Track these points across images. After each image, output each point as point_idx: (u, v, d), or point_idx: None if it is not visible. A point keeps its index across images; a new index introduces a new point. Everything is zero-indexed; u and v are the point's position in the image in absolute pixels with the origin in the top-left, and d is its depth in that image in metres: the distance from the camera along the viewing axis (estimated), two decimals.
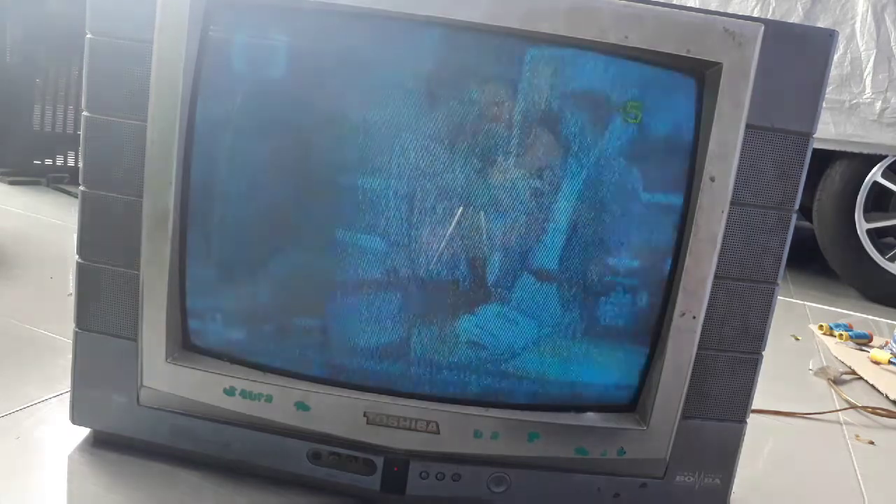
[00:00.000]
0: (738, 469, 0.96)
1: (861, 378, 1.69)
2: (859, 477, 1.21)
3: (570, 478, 0.94)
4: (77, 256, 0.92)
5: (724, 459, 0.95)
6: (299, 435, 0.92)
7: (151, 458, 0.96)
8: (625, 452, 0.92)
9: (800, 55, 0.86)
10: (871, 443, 1.35)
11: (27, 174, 2.59)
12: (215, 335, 0.93)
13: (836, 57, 0.99)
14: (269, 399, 0.90)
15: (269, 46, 0.85)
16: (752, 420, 0.95)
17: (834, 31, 0.88)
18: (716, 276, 0.88)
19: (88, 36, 0.88)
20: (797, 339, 1.94)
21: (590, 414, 0.93)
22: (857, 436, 1.37)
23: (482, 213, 0.87)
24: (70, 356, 0.95)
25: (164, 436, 0.95)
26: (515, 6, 0.82)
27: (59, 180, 2.56)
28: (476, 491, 0.94)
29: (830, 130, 2.34)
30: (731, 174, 0.86)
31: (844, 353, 1.84)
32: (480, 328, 0.90)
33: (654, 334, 0.91)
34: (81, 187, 0.91)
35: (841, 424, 1.42)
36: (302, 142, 0.87)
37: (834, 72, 1.38)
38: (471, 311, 0.90)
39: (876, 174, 2.47)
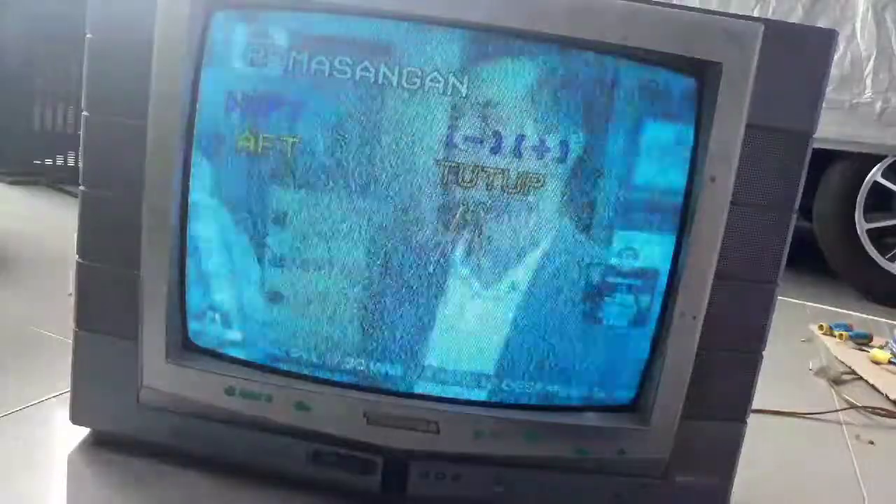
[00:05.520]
0: (738, 469, 0.96)
1: (861, 378, 1.69)
2: (859, 477, 1.21)
3: (570, 478, 0.94)
4: (77, 256, 0.92)
5: (724, 459, 0.95)
6: (299, 435, 0.92)
7: (151, 458, 0.96)
8: (625, 452, 0.92)
9: (800, 55, 0.86)
10: (871, 443, 1.35)
11: (27, 174, 2.58)
12: (215, 335, 0.93)
13: (836, 57, 0.99)
14: (269, 399, 0.90)
15: (270, 46, 0.85)
16: (752, 420, 0.95)
17: (834, 31, 0.88)
18: (716, 276, 0.88)
19: (88, 36, 0.88)
20: (798, 340, 1.94)
21: (590, 414, 0.93)
22: (857, 436, 1.37)
23: (481, 214, 0.87)
24: (70, 356, 0.95)
25: (164, 436, 0.95)
26: (515, 6, 0.82)
27: (59, 180, 2.56)
28: (476, 491, 0.94)
29: (830, 130, 2.33)
30: (731, 174, 0.86)
31: (844, 353, 1.84)
32: (481, 329, 0.90)
33: (655, 334, 0.91)
34: (81, 187, 0.91)
35: (841, 424, 1.42)
36: (302, 142, 0.87)
37: (834, 72, 1.38)
38: (471, 312, 0.90)
39: (876, 174, 2.47)
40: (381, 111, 0.85)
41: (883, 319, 2.28)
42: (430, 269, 0.89)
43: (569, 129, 0.86)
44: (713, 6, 2.40)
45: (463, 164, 0.86)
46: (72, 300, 0.94)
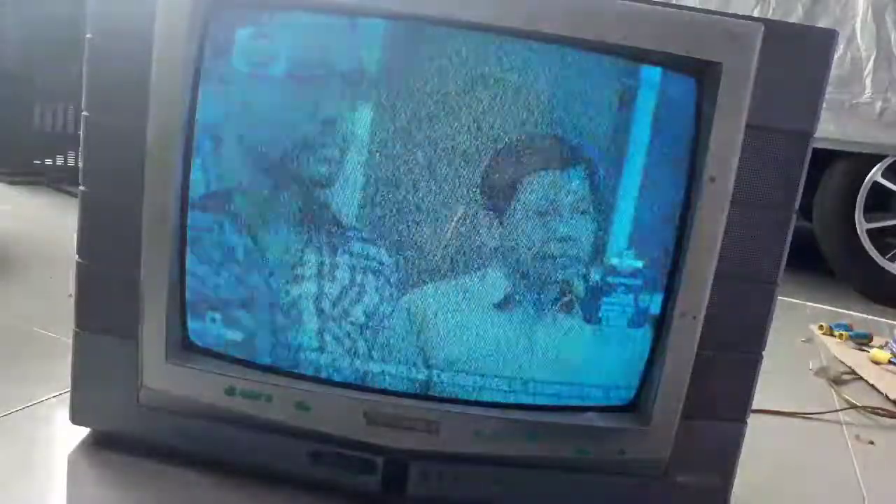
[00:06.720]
0: (739, 469, 0.96)
1: (861, 378, 1.69)
2: (859, 477, 1.21)
3: (570, 478, 0.94)
4: (77, 256, 0.92)
5: (724, 459, 0.95)
6: (299, 435, 0.92)
7: (151, 458, 0.96)
8: (625, 452, 0.92)
9: (800, 55, 0.86)
10: (871, 443, 1.35)
11: (27, 174, 2.58)
12: (215, 335, 0.93)
13: (836, 57, 0.99)
14: (269, 399, 0.90)
15: (270, 46, 0.85)
16: (752, 420, 0.95)
17: (834, 31, 0.87)
18: (716, 276, 0.88)
19: (88, 36, 0.87)
20: (798, 340, 1.94)
21: (590, 414, 0.93)
22: (857, 436, 1.37)
23: (481, 215, 0.87)
24: (70, 356, 0.95)
25: (164, 436, 0.95)
26: (515, 6, 0.82)
27: (59, 180, 2.56)
28: (476, 491, 0.94)
29: (830, 130, 2.33)
30: (731, 174, 0.85)
31: (844, 353, 1.84)
32: (480, 330, 0.90)
33: (655, 334, 0.91)
34: (81, 187, 0.91)
35: (841, 424, 1.42)
36: (301, 142, 0.87)
37: (834, 72, 1.38)
38: (471, 313, 0.90)
39: (876, 174, 2.47)
40: (382, 111, 0.85)
41: (883, 319, 2.28)
42: (431, 269, 0.89)
43: (567, 129, 0.86)
44: (713, 6, 2.40)
45: (463, 164, 0.86)
46: (72, 300, 0.94)
